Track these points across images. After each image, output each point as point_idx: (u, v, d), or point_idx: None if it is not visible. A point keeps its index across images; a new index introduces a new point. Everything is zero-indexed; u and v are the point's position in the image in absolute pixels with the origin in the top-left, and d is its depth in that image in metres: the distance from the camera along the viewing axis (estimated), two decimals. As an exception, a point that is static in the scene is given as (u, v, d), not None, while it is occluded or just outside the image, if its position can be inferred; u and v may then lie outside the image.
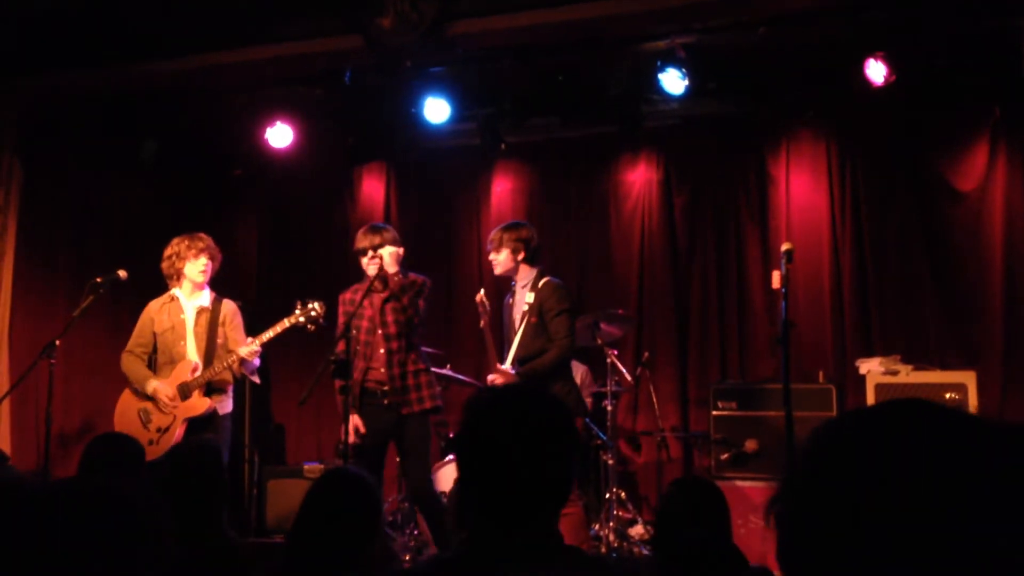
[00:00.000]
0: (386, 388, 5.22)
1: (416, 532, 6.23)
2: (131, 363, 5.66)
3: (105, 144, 7.28)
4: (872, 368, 6.25)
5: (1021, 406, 6.43)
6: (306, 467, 7.10)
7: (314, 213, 8.47)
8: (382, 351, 5.27)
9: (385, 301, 5.35)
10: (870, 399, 6.19)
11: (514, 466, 1.66)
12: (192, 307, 5.67)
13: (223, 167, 8.09)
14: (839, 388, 6.52)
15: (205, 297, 5.72)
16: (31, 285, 7.00)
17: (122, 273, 5.82)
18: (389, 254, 5.20)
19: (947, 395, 5.99)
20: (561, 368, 4.95)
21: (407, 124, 7.19)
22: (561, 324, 4.90)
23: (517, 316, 5.03)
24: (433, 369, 5.70)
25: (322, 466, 6.99)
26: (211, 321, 5.64)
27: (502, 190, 8.07)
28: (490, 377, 4.97)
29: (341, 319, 5.34)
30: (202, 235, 5.73)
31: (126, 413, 5.61)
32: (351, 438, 5.20)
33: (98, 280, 5.73)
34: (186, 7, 6.10)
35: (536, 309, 4.91)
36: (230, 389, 5.67)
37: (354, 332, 5.27)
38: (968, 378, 6.02)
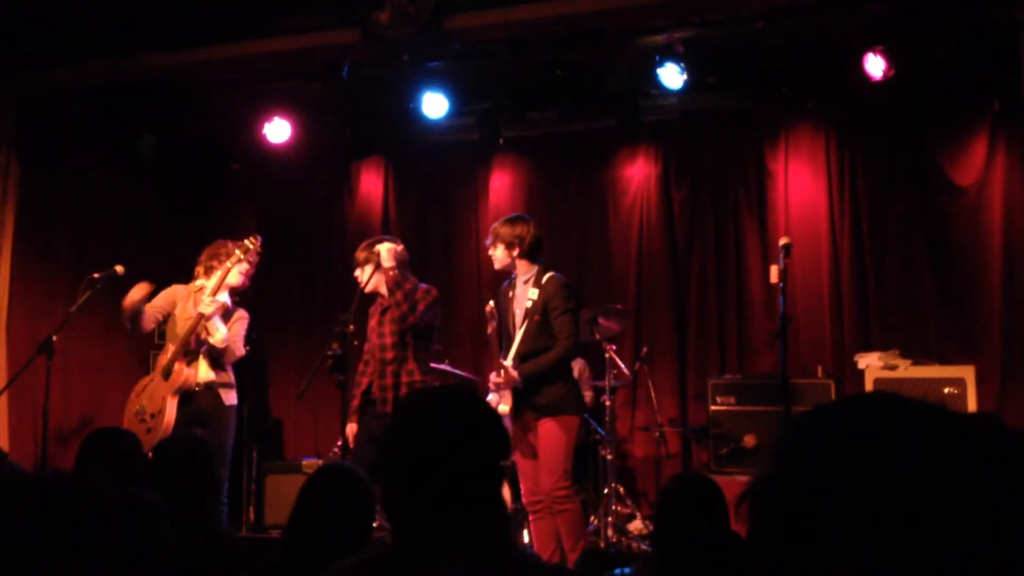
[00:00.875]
0: (378, 397, 5.30)
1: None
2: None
3: (103, 139, 7.27)
4: (871, 363, 6.25)
5: (1020, 400, 6.43)
6: (304, 462, 7.09)
7: (312, 208, 8.45)
8: (378, 359, 5.33)
9: (384, 312, 5.41)
10: (869, 394, 6.18)
11: (422, 466, 1.69)
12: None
13: (221, 161, 8.07)
14: (838, 383, 6.53)
15: (225, 297, 5.71)
16: (29, 280, 6.99)
17: (119, 268, 5.82)
18: (387, 250, 5.22)
19: (946, 389, 5.99)
20: (563, 367, 4.91)
21: (405, 119, 7.18)
22: (565, 323, 4.84)
23: (519, 312, 4.95)
24: (432, 364, 5.71)
25: (320, 461, 6.98)
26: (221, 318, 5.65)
27: (500, 185, 8.05)
28: (492, 375, 4.94)
29: (371, 321, 5.50)
30: (237, 244, 5.80)
31: (128, 415, 5.67)
32: (342, 445, 5.30)
33: (95, 276, 5.73)
34: (184, 1, 6.08)
35: (540, 307, 4.84)
36: (233, 379, 5.66)
37: (368, 342, 5.42)
38: (967, 372, 6.02)
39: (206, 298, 5.47)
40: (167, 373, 5.50)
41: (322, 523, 2.38)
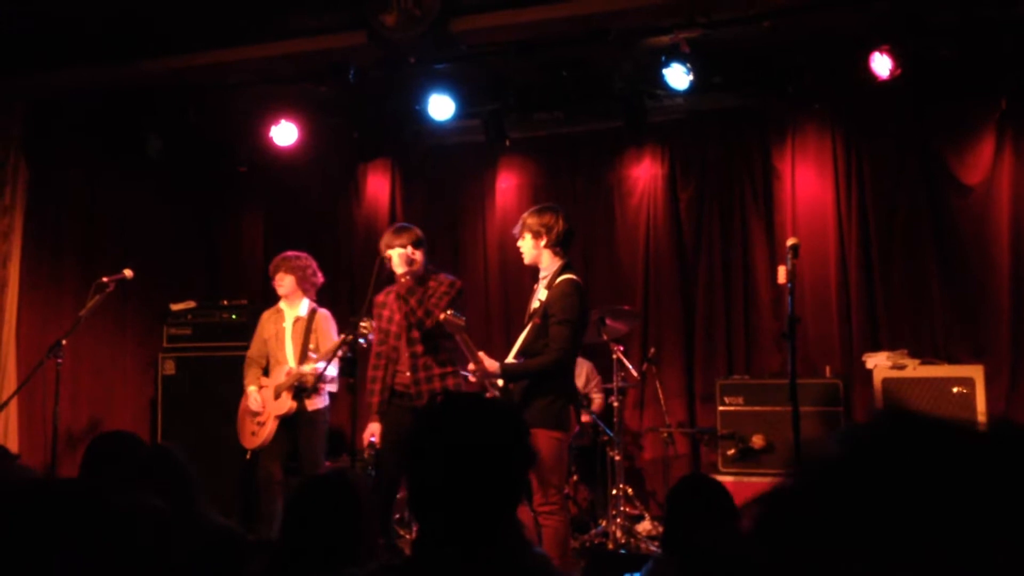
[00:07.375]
0: (411, 391, 5.19)
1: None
2: (246, 367, 6.24)
3: (110, 142, 7.30)
4: (879, 362, 6.24)
5: (1029, 399, 6.40)
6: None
7: (319, 210, 8.47)
8: (407, 354, 5.22)
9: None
10: (877, 394, 6.17)
11: (435, 478, 1.69)
12: (292, 316, 6.17)
13: (228, 164, 8.09)
14: (846, 383, 6.51)
15: (303, 308, 6.17)
16: (38, 284, 7.01)
17: (128, 272, 5.86)
18: (398, 255, 5.14)
19: (955, 389, 5.97)
20: (553, 377, 4.62)
21: (412, 121, 7.19)
22: (559, 333, 4.59)
23: (530, 311, 4.86)
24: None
25: (330, 464, 6.99)
26: (305, 329, 6.08)
27: (507, 186, 8.06)
28: (470, 366, 4.80)
29: (374, 322, 5.34)
30: (287, 255, 6.21)
31: (244, 406, 6.18)
32: (366, 444, 5.27)
33: (104, 279, 5.76)
34: (191, 3, 6.10)
35: (543, 311, 4.70)
36: (324, 389, 6.05)
37: (382, 335, 5.30)
38: (976, 372, 6.00)
39: (309, 365, 5.93)
40: (277, 394, 6.03)
41: (308, 531, 2.37)
